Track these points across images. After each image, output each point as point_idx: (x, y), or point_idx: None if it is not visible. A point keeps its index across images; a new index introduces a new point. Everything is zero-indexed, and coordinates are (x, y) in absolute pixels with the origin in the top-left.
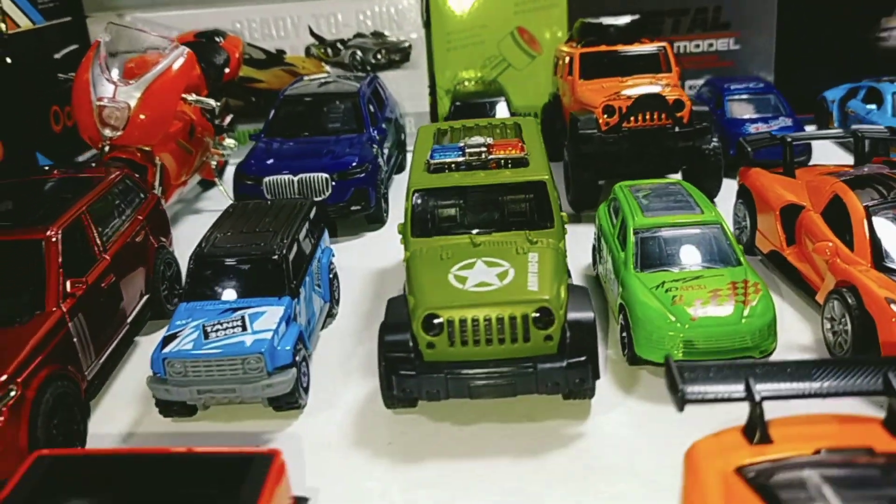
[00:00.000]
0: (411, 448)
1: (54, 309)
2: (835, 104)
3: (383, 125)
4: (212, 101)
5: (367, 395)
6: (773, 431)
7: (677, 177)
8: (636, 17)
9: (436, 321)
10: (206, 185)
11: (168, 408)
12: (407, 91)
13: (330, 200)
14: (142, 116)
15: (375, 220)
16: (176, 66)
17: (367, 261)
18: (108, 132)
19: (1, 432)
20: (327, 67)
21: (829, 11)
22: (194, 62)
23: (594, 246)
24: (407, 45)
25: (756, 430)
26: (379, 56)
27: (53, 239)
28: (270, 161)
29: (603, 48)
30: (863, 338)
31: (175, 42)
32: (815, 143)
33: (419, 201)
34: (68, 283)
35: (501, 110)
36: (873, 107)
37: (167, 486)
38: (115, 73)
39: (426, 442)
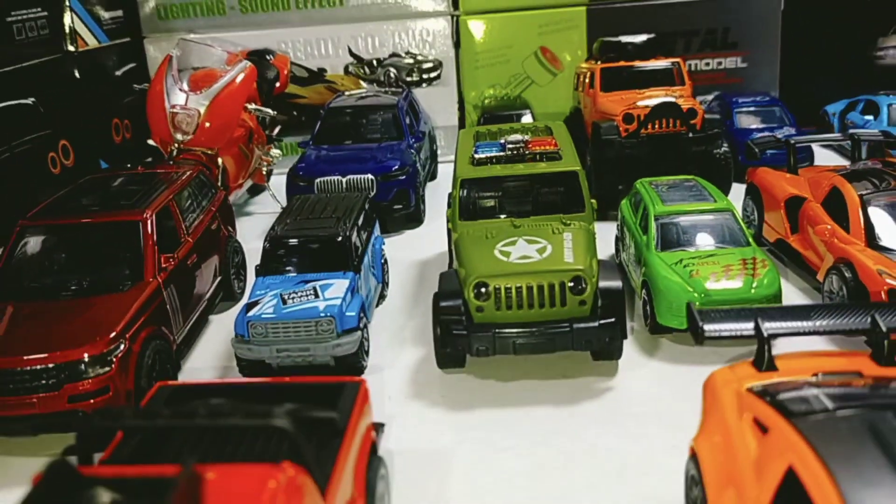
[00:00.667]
0: (461, 400)
1: (151, 279)
2: (835, 117)
3: (419, 135)
4: (270, 111)
5: (419, 359)
6: (778, 363)
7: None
8: (652, 35)
9: (484, 289)
10: (253, 191)
11: (247, 367)
12: (438, 106)
13: (375, 200)
14: (209, 123)
15: (414, 219)
16: (240, 78)
17: (409, 254)
18: (179, 136)
19: (111, 379)
20: (364, 84)
21: (829, 32)
22: (255, 75)
23: (616, 237)
24: (438, 63)
25: (764, 360)
26: (412, 74)
27: (149, 220)
28: (321, 164)
29: (622, 63)
30: None
31: (239, 56)
32: (816, 151)
33: (465, 191)
34: (162, 259)
35: (527, 121)
36: (870, 118)
37: (274, 405)
38: (185, 84)
39: (474, 395)
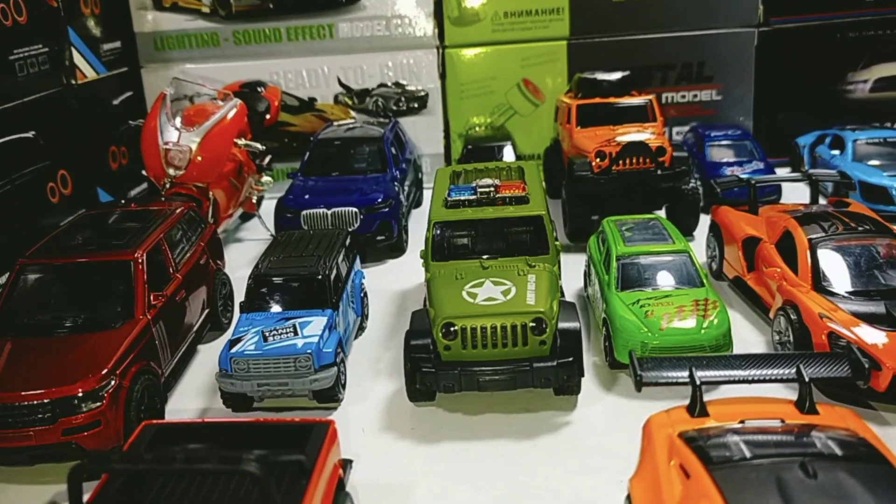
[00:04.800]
0: (430, 432)
1: (141, 317)
2: (805, 149)
3: (404, 165)
4: (259, 145)
5: (392, 391)
6: (710, 408)
7: (661, 213)
8: (627, 73)
9: (452, 328)
10: (244, 217)
11: (230, 400)
12: (424, 135)
13: (358, 231)
14: (200, 158)
15: (397, 248)
16: (230, 115)
17: (390, 283)
18: (171, 171)
19: (103, 413)
20: (353, 113)
21: (802, 66)
22: (245, 112)
23: (585, 271)
24: (424, 93)
25: (696, 406)
26: (399, 103)
27: (140, 260)
28: (307, 196)
29: (597, 100)
30: (802, 346)
31: (230, 94)
32: (784, 184)
33: (438, 231)
34: (151, 296)
35: (508, 153)
36: (837, 152)
37: (246, 446)
38: (177, 121)
39: (442, 427)
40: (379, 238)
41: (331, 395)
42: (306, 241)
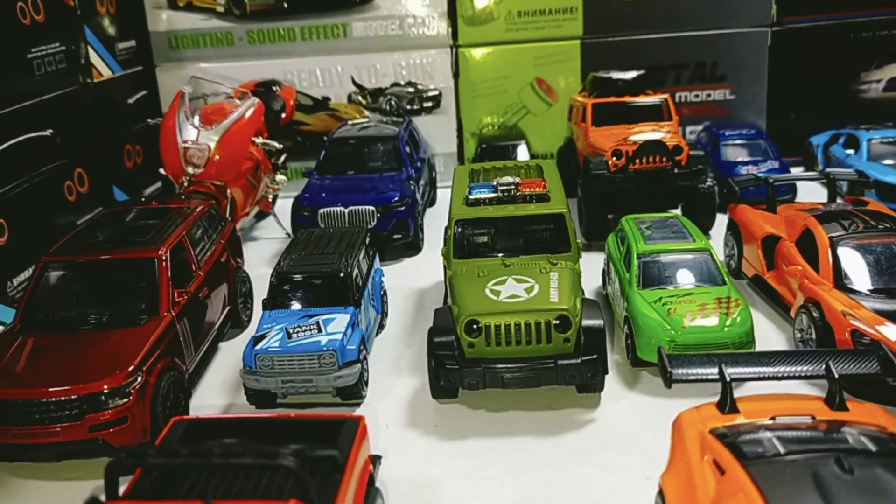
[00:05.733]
0: (453, 429)
1: (165, 314)
2: (819, 148)
3: (419, 164)
4: (276, 144)
5: (415, 388)
6: (740, 405)
7: (676, 212)
8: (642, 72)
9: (476, 326)
10: (259, 216)
11: (255, 396)
12: (437, 134)
13: (375, 229)
14: (219, 156)
15: (413, 247)
16: (248, 114)
17: (407, 281)
18: (190, 169)
19: (130, 410)
20: (367, 112)
21: (815, 66)
22: (262, 110)
23: (604, 270)
24: (438, 93)
25: (727, 403)
26: (413, 103)
27: (163, 257)
28: (324, 195)
29: (612, 99)
30: (824, 343)
31: (248, 93)
32: (800, 183)
33: (460, 229)
34: (175, 293)
35: (522, 152)
36: (851, 151)
37: (277, 441)
38: (196, 119)
39: (465, 425)
40: (395, 236)
41: (354, 392)
42: (326, 239)
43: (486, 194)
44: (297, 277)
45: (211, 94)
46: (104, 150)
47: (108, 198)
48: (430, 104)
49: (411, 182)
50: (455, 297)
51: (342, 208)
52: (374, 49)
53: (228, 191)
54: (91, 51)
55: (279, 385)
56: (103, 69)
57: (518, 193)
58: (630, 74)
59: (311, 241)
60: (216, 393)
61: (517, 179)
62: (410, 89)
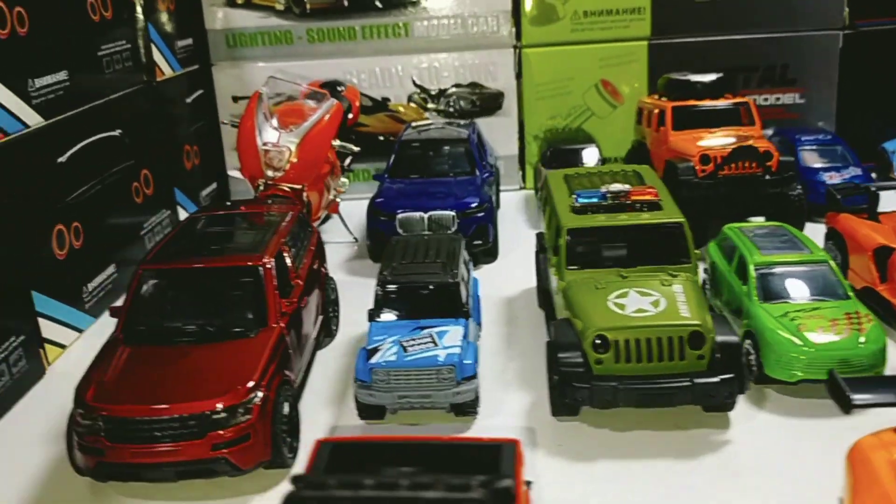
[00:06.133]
0: (579, 450)
1: (275, 325)
2: (894, 154)
3: (489, 168)
4: (353, 147)
5: (527, 404)
6: None
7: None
8: (720, 74)
9: (604, 341)
10: (322, 219)
11: (366, 411)
12: (498, 136)
13: None
14: (299, 160)
15: (490, 253)
16: (328, 116)
17: (490, 290)
18: (270, 172)
19: (253, 426)
20: (427, 114)
21: (887, 69)
22: (341, 112)
23: (705, 280)
24: (500, 94)
25: None
26: (475, 104)
27: (269, 265)
28: (401, 200)
29: (692, 102)
30: None
31: (327, 94)
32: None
33: (572, 239)
34: (282, 303)
35: (591, 155)
36: None
37: (437, 466)
38: (275, 121)
39: (590, 445)
40: (476, 243)
41: (469, 408)
42: (424, 246)
43: (594, 201)
44: (406, 287)
45: (290, 94)
46: (166, 150)
47: (171, 200)
48: (491, 105)
49: (487, 186)
50: (576, 311)
51: (421, 214)
52: (436, 49)
53: (305, 195)
54: (154, 49)
55: (395, 400)
56: (165, 68)
57: (629, 201)
58: (709, 77)
59: (410, 250)
60: (320, 406)
61: (627, 186)
62: (472, 90)
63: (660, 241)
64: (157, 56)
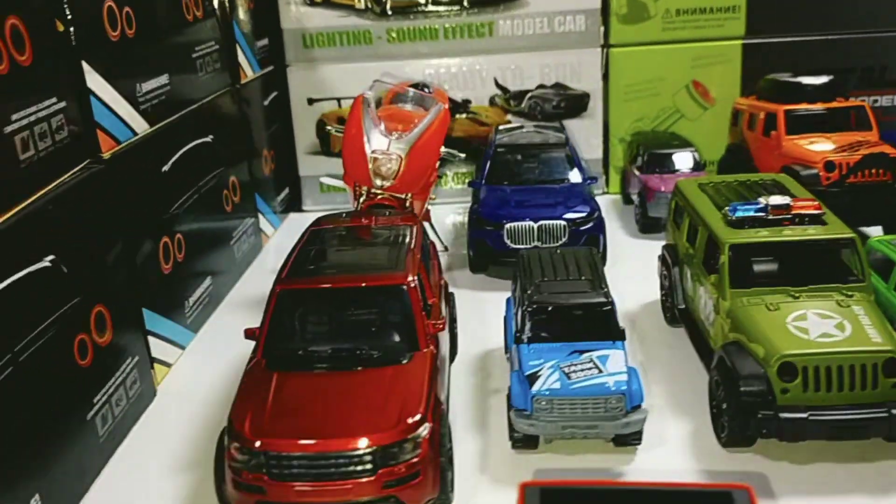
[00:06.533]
0: (763, 485)
1: (425, 349)
2: None
3: (593, 175)
4: (460, 154)
5: (688, 433)
6: None
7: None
8: (832, 76)
9: (791, 368)
10: None
11: (521, 441)
12: (581, 139)
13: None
14: (409, 168)
15: None
16: (437, 121)
17: None
18: (378, 181)
19: (423, 462)
20: (508, 116)
21: None
22: (449, 118)
23: None
24: (585, 95)
25: None
26: (559, 106)
27: (413, 284)
28: (506, 209)
29: (805, 105)
30: None
31: (435, 98)
32: None
33: (735, 255)
34: (430, 325)
35: (685, 160)
36: None
37: None
38: (383, 126)
39: (776, 480)
40: None
41: (634, 439)
42: (561, 262)
43: (751, 213)
44: (556, 308)
45: (406, 99)
46: (249, 156)
47: (254, 207)
48: (576, 107)
49: (593, 193)
50: (753, 335)
51: (531, 223)
52: (520, 49)
53: (408, 203)
54: (238, 50)
55: (558, 430)
56: (247, 69)
57: (792, 214)
58: (821, 79)
59: (546, 266)
60: (458, 432)
61: (788, 199)
62: (557, 91)
63: (830, 258)
64: (240, 57)
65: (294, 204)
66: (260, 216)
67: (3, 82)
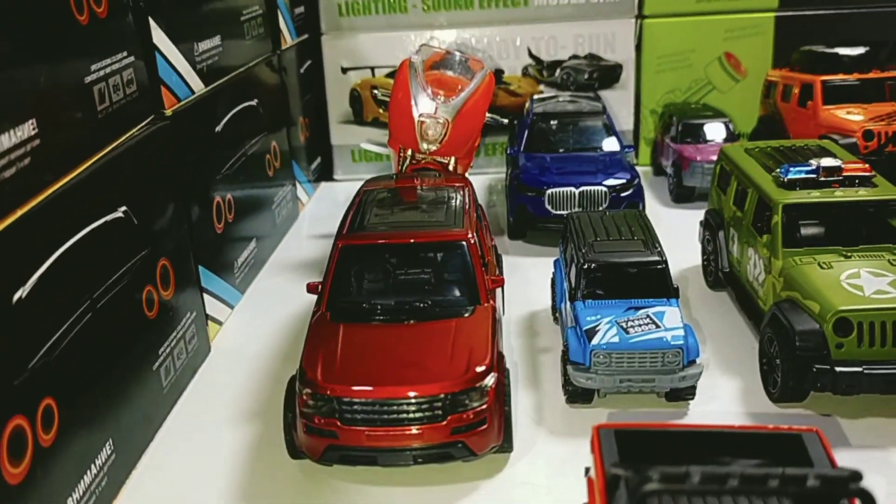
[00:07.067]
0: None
1: (486, 304)
2: None
3: (630, 143)
4: (503, 119)
5: (738, 389)
6: None
7: None
8: (868, 47)
9: (846, 324)
10: None
11: (575, 394)
12: (612, 110)
13: None
14: (455, 132)
15: None
16: (483, 87)
17: None
18: (425, 145)
19: (489, 410)
20: (541, 86)
21: None
22: (494, 83)
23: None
24: (618, 66)
25: None
26: (593, 76)
27: (472, 240)
28: (548, 175)
29: (842, 76)
30: None
31: (481, 63)
32: None
33: (788, 215)
34: (489, 281)
35: (718, 131)
36: None
37: (741, 456)
38: (430, 90)
39: (828, 432)
40: None
41: (689, 393)
42: (611, 223)
43: (804, 175)
44: (612, 266)
45: (448, 63)
46: (288, 122)
47: (291, 174)
48: (609, 78)
49: (631, 160)
50: (808, 292)
51: (573, 189)
52: (554, 19)
53: (452, 168)
54: (279, 15)
55: (616, 384)
56: (287, 36)
57: (841, 177)
58: (857, 50)
59: (595, 226)
60: (514, 390)
61: (838, 161)
62: (590, 62)
63: (880, 219)
64: (280, 23)
65: (325, 173)
66: (297, 184)
67: (83, 33)
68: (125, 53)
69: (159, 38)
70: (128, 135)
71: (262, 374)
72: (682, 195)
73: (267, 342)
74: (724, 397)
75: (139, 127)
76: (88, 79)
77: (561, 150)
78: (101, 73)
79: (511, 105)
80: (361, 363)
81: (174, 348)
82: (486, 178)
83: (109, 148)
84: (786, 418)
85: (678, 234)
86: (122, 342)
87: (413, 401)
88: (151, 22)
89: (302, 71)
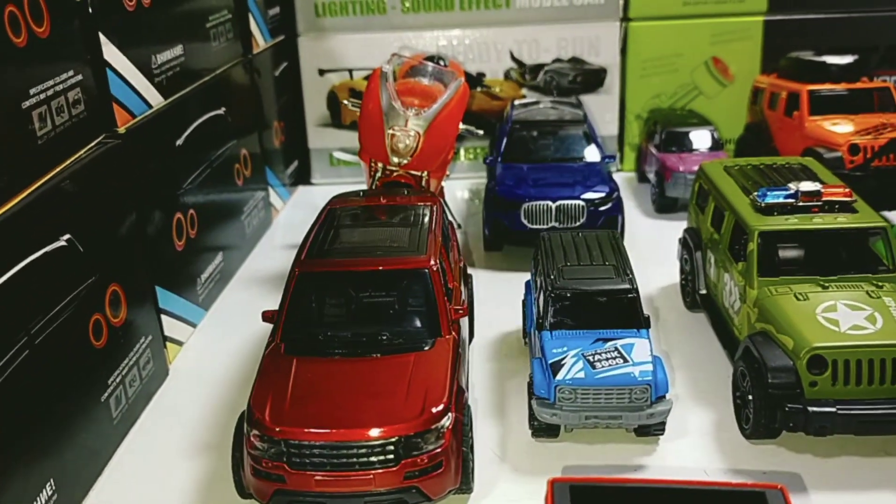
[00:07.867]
0: (787, 481)
1: (448, 336)
2: None
3: (611, 153)
4: (478, 130)
5: (711, 423)
6: None
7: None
8: (856, 56)
9: (821, 361)
10: None
11: (541, 430)
12: (596, 115)
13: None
14: (427, 145)
15: None
16: (456, 97)
17: None
18: (395, 159)
19: (445, 453)
20: (523, 90)
21: None
22: (468, 93)
23: None
24: (602, 70)
25: None
26: (575, 81)
27: (435, 267)
28: (524, 187)
29: (829, 85)
30: None
31: (455, 73)
32: None
33: (765, 242)
34: (451, 311)
35: (703, 139)
36: None
37: None
38: (400, 102)
39: (804, 472)
40: None
41: (658, 429)
42: (582, 245)
43: (781, 200)
44: (581, 295)
45: (423, 73)
46: (261, 128)
47: (264, 181)
48: (592, 82)
49: (609, 171)
50: (781, 325)
51: (549, 203)
52: (537, 21)
53: (425, 182)
54: (251, 18)
55: (582, 420)
56: (259, 39)
57: (823, 201)
58: (845, 59)
59: (569, 249)
60: (478, 419)
61: (818, 185)
62: (573, 66)
63: (860, 246)
64: (253, 26)
65: (303, 177)
66: (270, 189)
67: (22, 55)
68: (70, 73)
69: (111, 53)
70: (73, 158)
71: (219, 401)
72: (664, 206)
73: (228, 363)
74: (695, 432)
75: (87, 149)
76: (26, 104)
77: (540, 160)
78: (42, 96)
79: (492, 109)
80: (313, 402)
81: (126, 376)
82: (470, 183)
83: (51, 174)
84: (758, 454)
85: (658, 246)
86: (65, 376)
87: (365, 444)
88: (102, 37)
89: (277, 74)
